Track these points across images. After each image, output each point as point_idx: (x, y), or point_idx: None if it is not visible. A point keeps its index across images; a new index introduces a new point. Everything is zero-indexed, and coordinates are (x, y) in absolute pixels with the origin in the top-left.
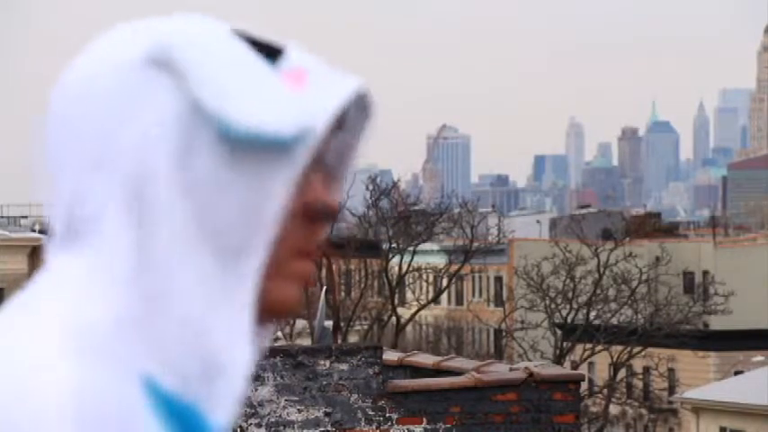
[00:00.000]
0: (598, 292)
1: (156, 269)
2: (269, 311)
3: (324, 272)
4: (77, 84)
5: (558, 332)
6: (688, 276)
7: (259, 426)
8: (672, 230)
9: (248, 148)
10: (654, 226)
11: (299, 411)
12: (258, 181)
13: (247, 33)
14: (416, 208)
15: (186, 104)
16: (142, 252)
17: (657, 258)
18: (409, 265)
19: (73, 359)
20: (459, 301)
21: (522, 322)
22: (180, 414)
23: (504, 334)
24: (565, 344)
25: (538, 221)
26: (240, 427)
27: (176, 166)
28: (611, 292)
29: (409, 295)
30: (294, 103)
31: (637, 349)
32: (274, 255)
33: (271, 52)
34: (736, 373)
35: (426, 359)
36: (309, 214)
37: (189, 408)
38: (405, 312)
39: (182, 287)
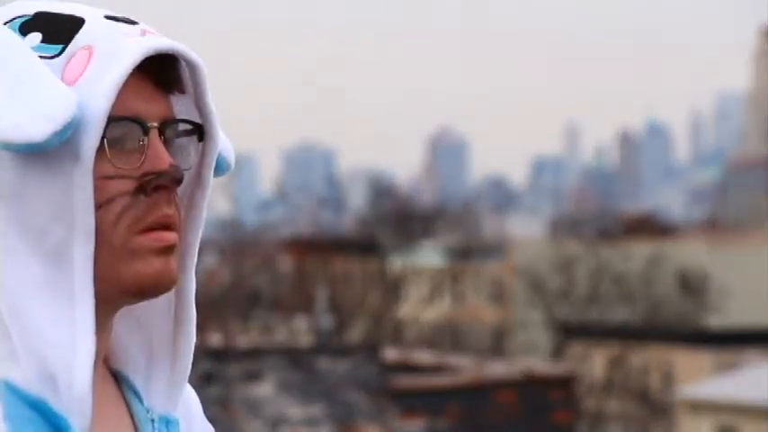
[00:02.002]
0: (595, 291)
1: None
2: (131, 290)
3: (324, 271)
4: None
5: (556, 331)
6: (684, 276)
7: (260, 423)
8: (668, 230)
9: (34, 155)
10: (650, 226)
11: (300, 409)
12: (58, 179)
13: (47, 13)
14: (415, 208)
15: None
16: None
17: (654, 258)
18: (408, 265)
19: None
20: (458, 301)
21: (521, 321)
22: (47, 416)
23: (502, 333)
24: (562, 342)
25: (536, 222)
26: (242, 424)
27: None
28: (609, 292)
29: (408, 294)
30: (55, 101)
31: (634, 347)
32: (115, 235)
33: (69, 29)
34: (733, 371)
35: (425, 358)
36: (144, 188)
37: (52, 411)
38: (404, 311)
39: (18, 297)
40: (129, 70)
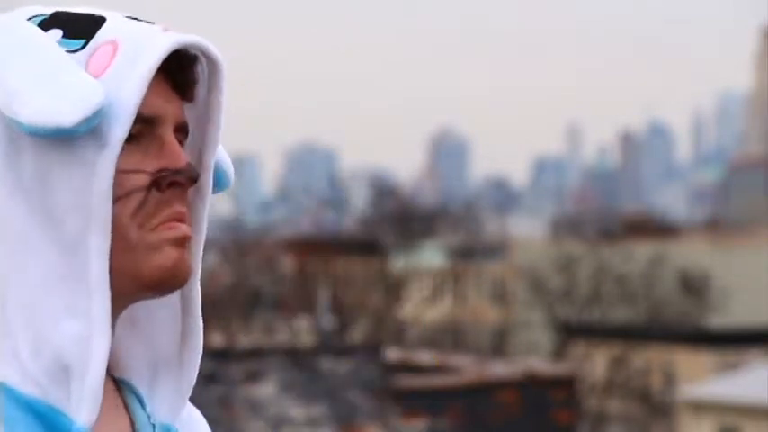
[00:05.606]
0: (597, 291)
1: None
2: (150, 284)
3: (326, 271)
4: None
5: (558, 331)
6: (686, 276)
7: (262, 423)
8: (669, 230)
9: (59, 141)
10: (652, 226)
11: (302, 409)
12: (80, 167)
13: (66, 12)
14: (417, 208)
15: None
16: None
17: (655, 258)
18: (410, 266)
19: None
20: (460, 301)
21: (522, 321)
22: (43, 416)
23: (503, 333)
24: (564, 342)
25: (537, 222)
26: (244, 424)
27: (4, 166)
28: (610, 292)
29: (410, 294)
30: (85, 89)
31: (635, 347)
32: (131, 229)
33: (91, 25)
34: (734, 371)
35: (427, 358)
36: (159, 184)
37: (51, 410)
38: (406, 311)
39: (34, 287)
40: (159, 63)
